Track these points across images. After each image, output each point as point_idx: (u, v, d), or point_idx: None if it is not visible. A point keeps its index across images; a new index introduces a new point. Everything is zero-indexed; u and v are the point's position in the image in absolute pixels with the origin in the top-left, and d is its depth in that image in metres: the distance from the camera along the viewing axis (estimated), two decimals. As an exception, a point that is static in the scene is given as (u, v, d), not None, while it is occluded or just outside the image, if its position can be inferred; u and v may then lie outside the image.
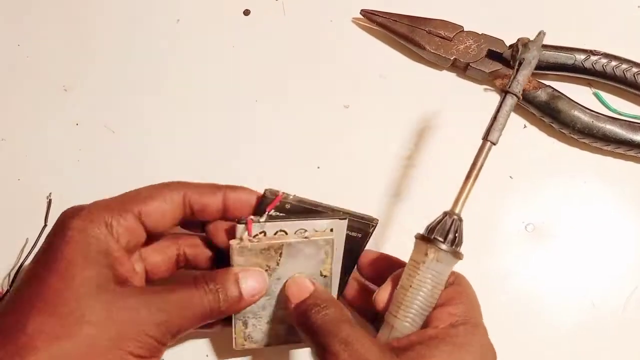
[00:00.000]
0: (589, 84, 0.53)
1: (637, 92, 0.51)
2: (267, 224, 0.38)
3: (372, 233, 0.42)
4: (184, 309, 0.35)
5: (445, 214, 0.37)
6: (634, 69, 0.51)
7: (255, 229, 0.37)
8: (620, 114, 0.51)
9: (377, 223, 0.42)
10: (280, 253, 0.39)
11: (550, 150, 0.52)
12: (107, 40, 0.57)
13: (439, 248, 0.36)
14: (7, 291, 0.48)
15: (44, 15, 0.58)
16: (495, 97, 0.53)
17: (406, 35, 0.54)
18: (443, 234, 0.37)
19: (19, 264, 0.48)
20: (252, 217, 0.37)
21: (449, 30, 0.53)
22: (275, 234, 0.38)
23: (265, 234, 0.38)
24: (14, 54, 0.57)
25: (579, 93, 0.52)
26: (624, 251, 0.49)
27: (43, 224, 0.50)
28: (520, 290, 0.48)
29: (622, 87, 0.52)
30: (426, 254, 0.36)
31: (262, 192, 0.39)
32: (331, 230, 0.39)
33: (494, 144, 0.37)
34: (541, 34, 0.39)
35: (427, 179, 0.51)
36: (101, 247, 0.35)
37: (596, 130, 0.50)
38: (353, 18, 0.56)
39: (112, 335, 0.33)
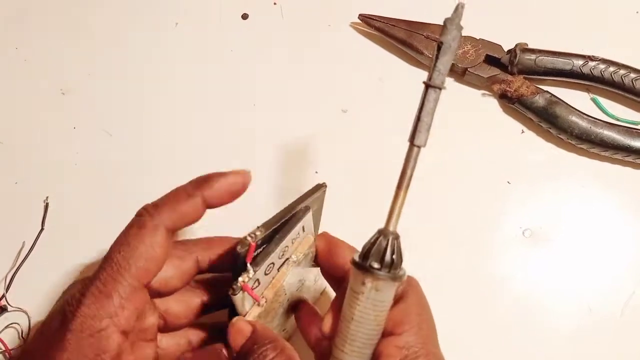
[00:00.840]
0: (587, 89, 0.53)
1: (635, 97, 0.51)
2: (257, 271, 0.35)
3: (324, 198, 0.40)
4: None
5: (380, 232, 0.33)
6: (632, 75, 0.51)
7: (250, 283, 0.35)
8: (618, 120, 0.51)
9: (326, 186, 0.40)
10: (284, 291, 0.37)
11: (548, 156, 0.52)
12: (105, 43, 0.57)
13: (377, 277, 0.32)
14: (3, 296, 0.47)
15: (42, 19, 0.58)
16: (493, 102, 0.53)
17: (404, 39, 0.54)
18: (379, 257, 0.32)
19: (15, 267, 0.48)
20: (241, 279, 0.34)
21: (447, 35, 0.53)
22: (265, 272, 0.36)
23: (259, 282, 0.36)
24: (11, 57, 0.57)
25: (576, 98, 0.52)
26: (621, 256, 0.49)
27: (40, 228, 0.50)
28: (517, 295, 0.48)
29: (620, 92, 0.52)
30: (363, 284, 0.32)
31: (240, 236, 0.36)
32: (303, 228, 0.38)
33: (422, 147, 0.33)
34: (459, 8, 0.32)
35: (425, 182, 0.51)
36: (100, 349, 0.33)
37: (594, 135, 0.50)
38: (351, 23, 0.56)
39: None
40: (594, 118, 0.50)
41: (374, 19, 0.54)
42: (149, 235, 0.35)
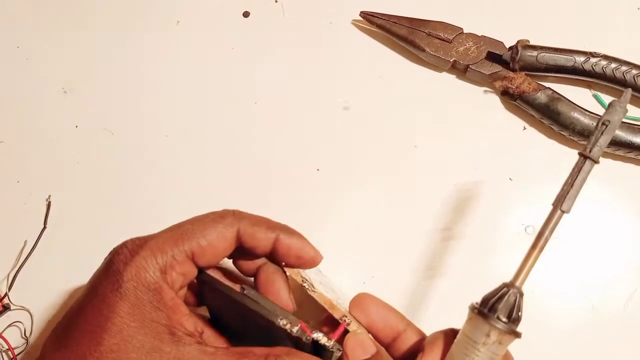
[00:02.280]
0: (589, 85, 0.53)
1: (636, 94, 0.51)
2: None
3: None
4: None
5: (507, 286, 0.33)
6: (634, 71, 0.50)
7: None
8: (619, 116, 0.51)
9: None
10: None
11: (550, 152, 0.52)
12: (107, 42, 0.57)
13: (503, 331, 0.32)
14: (6, 295, 0.48)
15: (43, 17, 0.58)
16: (495, 99, 0.53)
17: (406, 37, 0.54)
18: (507, 312, 0.33)
19: (17, 266, 0.48)
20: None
21: (449, 32, 0.53)
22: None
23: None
24: (13, 56, 0.57)
25: (578, 95, 0.52)
26: (623, 253, 0.49)
27: (42, 226, 0.50)
28: (520, 292, 0.48)
29: (621, 89, 0.51)
30: (488, 335, 0.32)
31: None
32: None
33: (567, 213, 0.34)
34: (628, 93, 0.33)
35: (426, 178, 0.51)
36: (155, 299, 0.34)
37: (596, 132, 0.50)
38: (352, 20, 0.56)
39: None
40: (596, 114, 0.50)
41: (375, 16, 0.54)
42: (223, 226, 0.36)
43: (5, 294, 0.48)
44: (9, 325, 0.47)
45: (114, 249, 0.36)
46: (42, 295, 0.49)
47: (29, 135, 0.54)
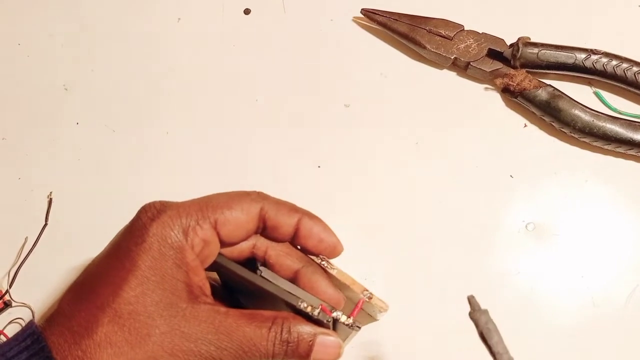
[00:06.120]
0: (590, 83, 0.53)
1: (637, 91, 0.51)
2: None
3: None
4: (244, 351, 0.34)
5: None
6: (635, 68, 0.50)
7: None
8: (620, 113, 0.51)
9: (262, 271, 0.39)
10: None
11: (551, 149, 0.52)
12: (108, 39, 0.57)
13: None
14: (7, 291, 0.48)
15: (45, 15, 0.58)
16: (496, 96, 0.53)
17: (407, 34, 0.54)
18: None
19: (19, 263, 0.48)
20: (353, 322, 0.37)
21: (450, 29, 0.53)
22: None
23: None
24: (14, 53, 0.57)
25: (579, 92, 0.52)
26: (624, 250, 0.49)
27: (44, 223, 0.50)
28: (520, 289, 0.48)
29: (622, 86, 0.51)
30: None
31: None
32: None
33: None
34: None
35: (427, 177, 0.51)
36: (177, 257, 0.34)
37: (596, 129, 0.50)
38: (353, 17, 0.56)
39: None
40: (597, 111, 0.50)
41: (376, 14, 0.54)
42: (247, 201, 0.37)
43: (7, 291, 0.48)
44: (10, 322, 0.48)
45: (141, 207, 0.36)
46: (43, 292, 0.49)
47: (30, 132, 0.54)
